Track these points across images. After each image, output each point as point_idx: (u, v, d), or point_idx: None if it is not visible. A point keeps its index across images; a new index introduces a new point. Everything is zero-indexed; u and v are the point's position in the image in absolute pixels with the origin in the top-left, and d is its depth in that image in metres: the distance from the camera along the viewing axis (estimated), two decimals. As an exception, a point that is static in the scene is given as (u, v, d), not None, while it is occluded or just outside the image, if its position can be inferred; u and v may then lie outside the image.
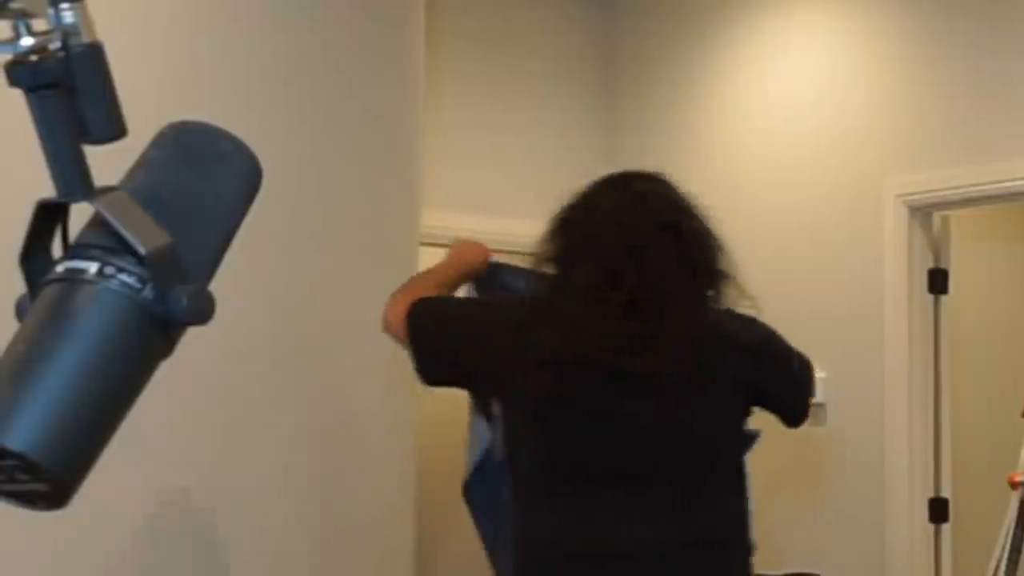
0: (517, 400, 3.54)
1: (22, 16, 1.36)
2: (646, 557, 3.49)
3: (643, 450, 3.46)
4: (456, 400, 4.01)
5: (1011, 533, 6.01)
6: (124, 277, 1.36)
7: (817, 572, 5.83)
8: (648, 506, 3.48)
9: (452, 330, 3.64)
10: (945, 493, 6.06)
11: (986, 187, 5.85)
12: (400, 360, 4.56)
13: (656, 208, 3.72)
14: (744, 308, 3.75)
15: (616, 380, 3.44)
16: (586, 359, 3.44)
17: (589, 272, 3.47)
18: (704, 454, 3.55)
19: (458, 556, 5.97)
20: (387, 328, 3.66)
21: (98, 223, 1.39)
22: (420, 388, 3.81)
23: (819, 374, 6.30)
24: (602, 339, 3.44)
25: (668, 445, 3.47)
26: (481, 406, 3.85)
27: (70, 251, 1.40)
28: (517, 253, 3.76)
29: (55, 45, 1.36)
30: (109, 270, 1.36)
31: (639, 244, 3.52)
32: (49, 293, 1.37)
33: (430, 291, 3.74)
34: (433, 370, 3.64)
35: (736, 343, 3.68)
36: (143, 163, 1.47)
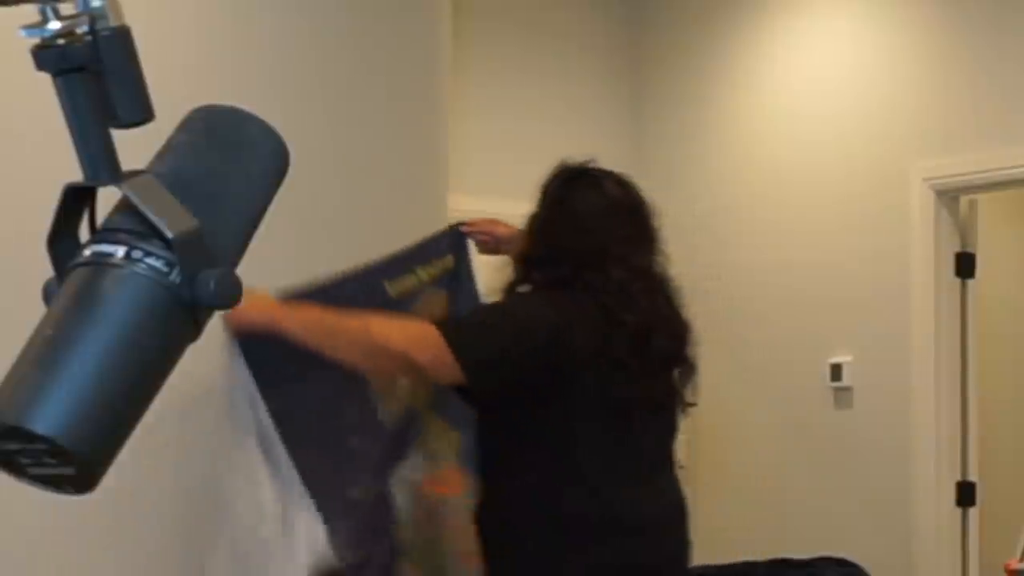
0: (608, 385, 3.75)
1: (49, 0, 1.36)
2: None
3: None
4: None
5: (1038, 517, 6.00)
6: (151, 261, 1.36)
7: (843, 556, 5.82)
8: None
9: (518, 336, 3.72)
10: (972, 477, 6.05)
11: (1013, 171, 5.85)
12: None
13: None
14: None
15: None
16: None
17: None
18: None
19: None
20: (420, 364, 3.64)
21: (125, 207, 1.39)
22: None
23: (845, 358, 6.31)
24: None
25: None
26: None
27: (97, 235, 1.40)
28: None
29: (82, 29, 1.36)
30: (136, 254, 1.36)
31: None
32: (76, 277, 1.37)
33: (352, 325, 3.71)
34: (493, 379, 3.71)
35: None
36: (170, 147, 1.47)
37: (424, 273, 4.14)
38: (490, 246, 4.26)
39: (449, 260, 4.20)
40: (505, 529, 3.79)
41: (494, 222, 4.31)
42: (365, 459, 3.93)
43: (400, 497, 4.01)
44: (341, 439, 3.89)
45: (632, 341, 3.71)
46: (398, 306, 3.97)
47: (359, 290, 3.85)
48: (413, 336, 3.61)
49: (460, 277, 4.22)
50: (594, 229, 3.83)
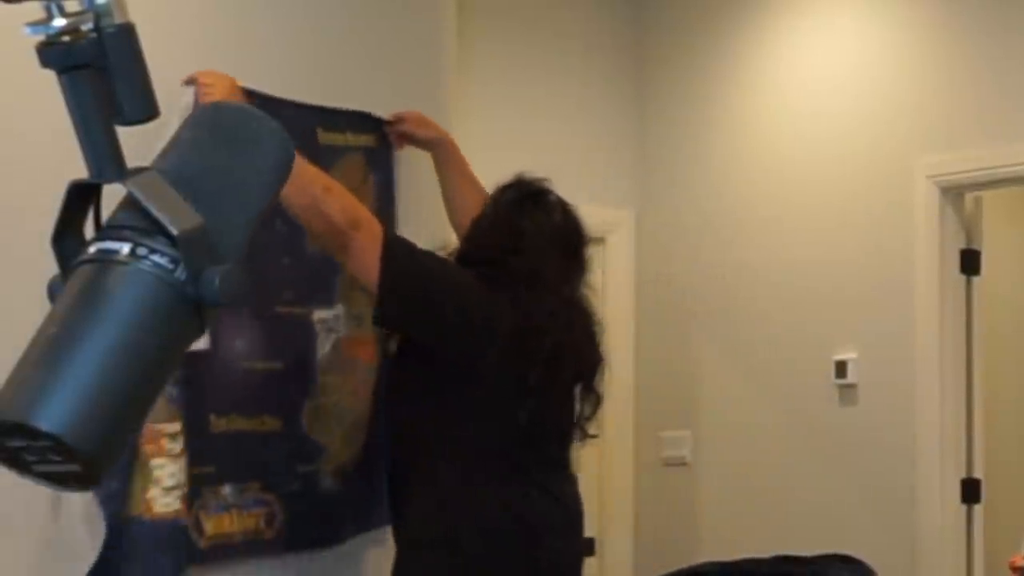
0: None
1: (53, -3, 1.36)
2: None
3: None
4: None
5: (1044, 514, 6.00)
6: (156, 258, 1.36)
7: (848, 552, 5.81)
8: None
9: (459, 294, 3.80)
10: (977, 473, 6.04)
11: (1018, 167, 5.84)
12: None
13: None
14: None
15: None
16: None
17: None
18: None
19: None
20: (348, 237, 3.65)
21: (130, 204, 1.39)
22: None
23: (850, 355, 6.30)
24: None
25: None
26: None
27: (102, 232, 1.40)
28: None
29: (87, 26, 1.36)
30: (141, 251, 1.36)
31: None
32: (81, 274, 1.37)
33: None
34: (401, 317, 3.79)
35: None
36: (176, 144, 1.47)
37: (352, 138, 4.21)
38: (399, 136, 4.31)
39: (372, 139, 4.26)
40: (424, 522, 3.85)
41: (424, 121, 4.35)
42: (290, 279, 4.02)
43: (323, 342, 4.09)
44: (278, 255, 3.97)
45: (544, 361, 3.78)
46: (322, 154, 4.01)
47: (293, 121, 3.79)
48: (360, 222, 3.66)
49: (381, 164, 4.30)
50: (534, 251, 3.91)
